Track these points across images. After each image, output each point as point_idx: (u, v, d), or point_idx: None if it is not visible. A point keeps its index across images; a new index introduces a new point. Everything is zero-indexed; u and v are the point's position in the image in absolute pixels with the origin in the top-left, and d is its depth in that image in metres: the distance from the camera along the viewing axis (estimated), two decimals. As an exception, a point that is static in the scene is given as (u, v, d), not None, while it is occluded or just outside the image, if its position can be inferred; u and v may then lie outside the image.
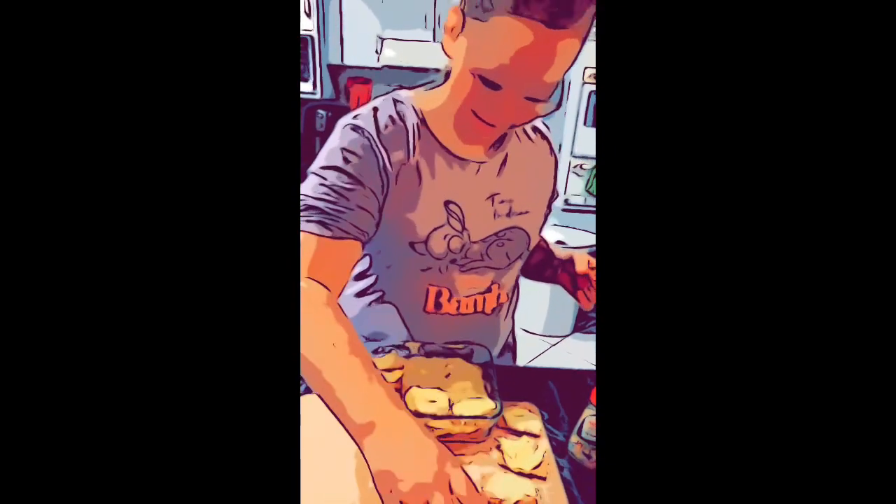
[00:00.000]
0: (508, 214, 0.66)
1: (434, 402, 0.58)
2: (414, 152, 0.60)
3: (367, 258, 0.66)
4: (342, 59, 2.34)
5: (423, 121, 0.61)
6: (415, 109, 0.62)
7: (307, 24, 2.15)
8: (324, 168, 0.56)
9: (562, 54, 0.48)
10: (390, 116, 0.60)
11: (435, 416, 0.55)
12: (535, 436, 0.59)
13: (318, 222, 0.53)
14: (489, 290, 0.69)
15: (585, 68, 2.11)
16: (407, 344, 0.66)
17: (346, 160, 0.56)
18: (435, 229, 0.61)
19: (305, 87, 2.25)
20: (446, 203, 0.61)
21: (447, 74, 0.60)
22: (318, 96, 2.32)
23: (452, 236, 0.62)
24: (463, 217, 0.62)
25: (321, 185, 0.55)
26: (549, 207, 0.76)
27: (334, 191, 0.55)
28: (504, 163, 0.66)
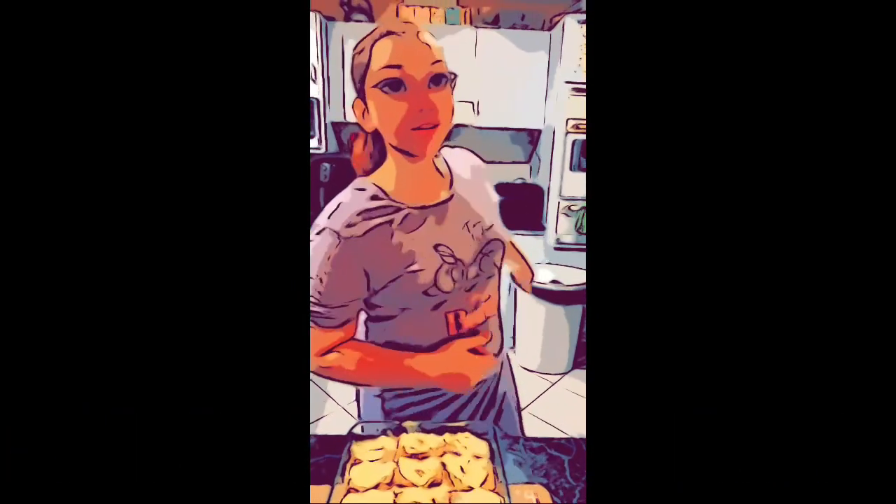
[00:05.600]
0: (482, 233, 0.77)
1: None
2: (391, 224, 0.68)
3: (384, 306, 0.74)
4: (344, 117, 2.56)
5: (383, 192, 0.70)
6: (375, 187, 0.71)
7: (313, 90, 2.39)
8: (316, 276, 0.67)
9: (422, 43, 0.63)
10: (357, 211, 0.68)
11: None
12: (479, 457, 0.63)
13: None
14: (490, 296, 0.80)
15: (568, 119, 2.28)
16: (403, 424, 0.70)
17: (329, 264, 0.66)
18: (437, 271, 0.70)
19: (312, 143, 2.46)
20: (435, 247, 0.70)
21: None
22: (322, 151, 2.51)
23: (452, 269, 0.71)
24: (452, 251, 0.72)
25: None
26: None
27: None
28: (451, 197, 0.76)
